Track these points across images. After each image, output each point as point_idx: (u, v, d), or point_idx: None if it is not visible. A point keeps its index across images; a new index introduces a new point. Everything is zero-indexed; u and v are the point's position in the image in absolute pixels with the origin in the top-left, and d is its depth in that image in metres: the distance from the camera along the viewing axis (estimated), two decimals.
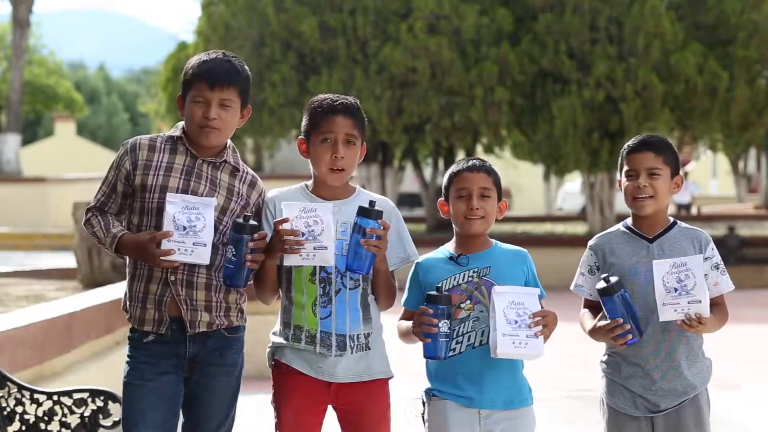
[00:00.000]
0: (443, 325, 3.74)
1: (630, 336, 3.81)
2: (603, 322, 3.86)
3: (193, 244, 3.75)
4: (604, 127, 19.77)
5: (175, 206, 3.76)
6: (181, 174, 3.89)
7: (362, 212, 3.76)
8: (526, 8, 20.24)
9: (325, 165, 3.88)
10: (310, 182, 3.98)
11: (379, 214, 3.76)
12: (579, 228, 24.93)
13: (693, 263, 3.77)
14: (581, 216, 29.13)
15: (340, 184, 3.93)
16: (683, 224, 4.03)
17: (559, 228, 26.06)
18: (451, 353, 3.82)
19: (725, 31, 20.36)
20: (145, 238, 3.78)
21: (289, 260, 3.77)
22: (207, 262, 3.78)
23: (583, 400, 8.22)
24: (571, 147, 19.72)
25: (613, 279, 3.84)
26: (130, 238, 3.83)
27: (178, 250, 3.74)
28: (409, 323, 3.86)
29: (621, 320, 3.80)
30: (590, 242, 4.08)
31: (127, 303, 3.94)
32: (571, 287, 4.09)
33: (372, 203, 3.79)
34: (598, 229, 21.11)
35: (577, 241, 20.98)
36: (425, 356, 3.80)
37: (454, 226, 3.96)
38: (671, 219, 4.03)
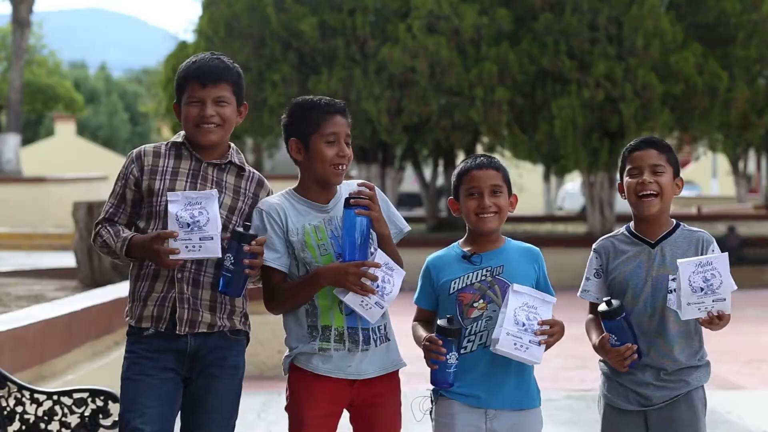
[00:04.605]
0: (451, 357, 3.76)
1: (635, 357, 3.83)
2: (612, 347, 3.84)
3: (200, 239, 3.73)
4: (604, 126, 19.78)
5: (177, 204, 3.75)
6: (187, 178, 3.90)
7: (348, 200, 3.78)
8: (526, 8, 20.25)
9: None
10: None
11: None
12: (579, 228, 24.94)
13: (719, 262, 3.75)
14: (581, 216, 29.14)
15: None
16: (687, 226, 4.00)
17: (560, 228, 26.07)
18: (462, 351, 3.83)
19: (725, 31, 20.37)
20: (150, 237, 3.78)
21: (349, 299, 3.75)
22: (219, 254, 3.75)
23: (583, 400, 8.22)
24: (571, 147, 19.73)
25: (615, 303, 3.83)
26: (138, 239, 3.82)
27: (186, 247, 3.73)
28: (422, 333, 3.89)
29: (633, 347, 3.81)
30: (594, 245, 4.06)
31: (129, 304, 3.93)
32: (578, 293, 4.08)
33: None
34: (598, 229, 21.12)
35: (578, 241, 21.00)
36: (431, 382, 3.83)
37: (467, 224, 3.94)
38: (674, 221, 4.00)
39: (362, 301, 3.75)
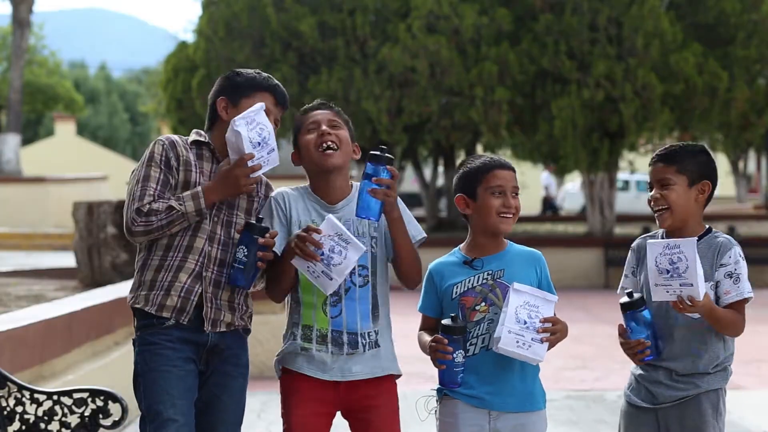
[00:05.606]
0: (458, 356, 3.76)
1: (648, 352, 3.83)
2: (627, 339, 3.85)
3: (268, 153, 3.88)
4: (604, 126, 19.79)
5: (244, 127, 3.84)
6: (209, 179, 3.93)
7: (372, 158, 3.75)
8: (526, 8, 20.26)
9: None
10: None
11: (389, 161, 3.76)
12: (579, 228, 24.94)
13: (686, 246, 3.72)
14: (581, 216, 29.15)
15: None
16: (716, 233, 3.94)
17: (560, 228, 26.07)
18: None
19: (725, 31, 20.38)
20: (232, 166, 3.85)
21: (295, 262, 3.76)
22: (278, 162, 3.93)
23: (583, 400, 8.19)
24: (571, 147, 19.74)
25: (636, 295, 3.83)
26: (211, 182, 3.89)
27: (261, 164, 3.86)
28: (427, 338, 3.88)
29: (643, 340, 3.81)
30: (633, 244, 4.06)
31: (143, 292, 3.87)
32: (618, 291, 4.07)
33: (383, 149, 3.79)
34: (598, 229, 21.13)
35: (578, 241, 21.01)
36: (440, 383, 3.83)
37: (481, 223, 3.93)
38: (707, 227, 3.95)
39: (308, 267, 3.73)
